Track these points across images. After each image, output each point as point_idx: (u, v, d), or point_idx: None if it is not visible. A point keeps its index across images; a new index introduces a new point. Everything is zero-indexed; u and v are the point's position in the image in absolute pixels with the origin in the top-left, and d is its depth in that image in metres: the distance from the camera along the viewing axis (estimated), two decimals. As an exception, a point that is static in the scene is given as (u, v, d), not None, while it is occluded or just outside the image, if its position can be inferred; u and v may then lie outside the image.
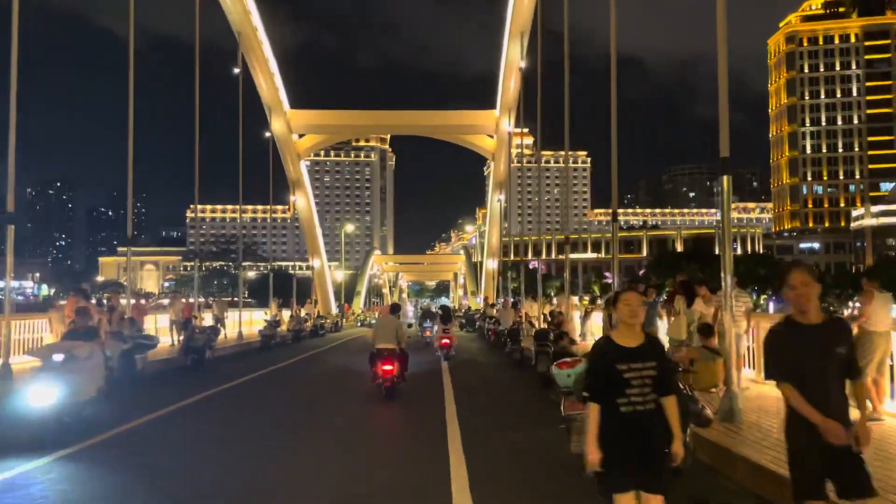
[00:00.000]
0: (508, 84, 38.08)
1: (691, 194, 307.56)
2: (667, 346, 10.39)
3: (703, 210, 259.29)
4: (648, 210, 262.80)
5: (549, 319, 18.03)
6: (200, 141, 23.26)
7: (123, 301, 21.09)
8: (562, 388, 7.28)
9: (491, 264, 47.26)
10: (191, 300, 25.22)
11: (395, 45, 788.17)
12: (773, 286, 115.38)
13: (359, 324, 54.97)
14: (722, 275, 9.05)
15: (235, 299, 36.39)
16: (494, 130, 43.67)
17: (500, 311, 22.00)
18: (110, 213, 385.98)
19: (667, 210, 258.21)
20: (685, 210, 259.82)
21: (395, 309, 15.69)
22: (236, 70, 28.81)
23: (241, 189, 30.53)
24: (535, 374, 15.10)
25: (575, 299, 36.95)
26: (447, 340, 21.56)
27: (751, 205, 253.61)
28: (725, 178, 8.82)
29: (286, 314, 34.00)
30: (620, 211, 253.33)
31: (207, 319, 24.47)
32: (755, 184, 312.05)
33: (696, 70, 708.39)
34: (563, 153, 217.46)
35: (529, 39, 29.83)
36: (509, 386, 15.92)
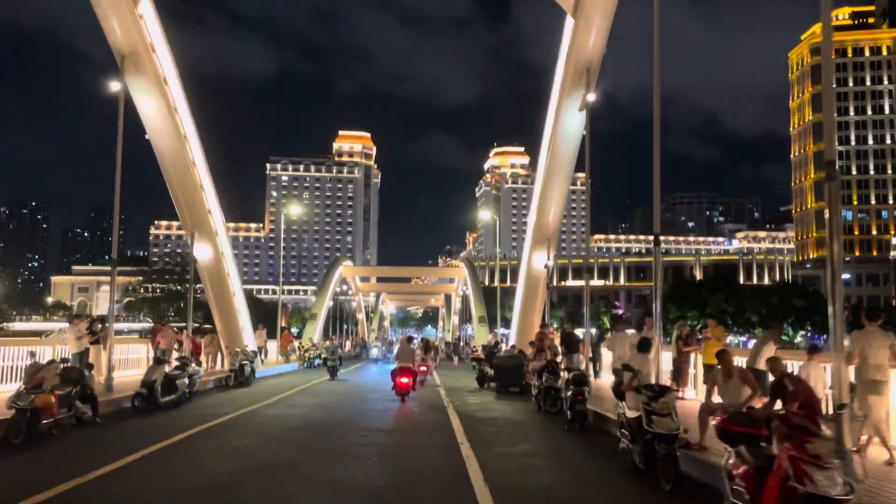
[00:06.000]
0: None
1: (690, 224, 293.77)
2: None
3: (710, 238, 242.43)
4: (652, 236, 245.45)
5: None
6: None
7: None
8: None
9: (539, 262, 26.17)
10: None
11: (371, 73, 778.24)
12: (811, 319, 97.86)
13: (308, 364, 34.09)
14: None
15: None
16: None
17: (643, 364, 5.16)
18: (86, 235, 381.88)
19: (671, 237, 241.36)
20: (690, 238, 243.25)
21: (410, 340, 22.46)
22: None
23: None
24: None
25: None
26: (424, 368, 23.57)
27: (761, 234, 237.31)
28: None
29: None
30: (622, 237, 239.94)
31: None
32: (756, 214, 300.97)
33: (668, 106, 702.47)
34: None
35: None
36: None
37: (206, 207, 22.67)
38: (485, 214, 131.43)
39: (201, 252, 23.37)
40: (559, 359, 17.65)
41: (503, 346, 25.91)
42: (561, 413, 14.36)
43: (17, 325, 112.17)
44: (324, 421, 13.63)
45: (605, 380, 20.26)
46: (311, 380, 24.72)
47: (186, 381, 15.82)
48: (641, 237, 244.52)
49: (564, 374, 14.54)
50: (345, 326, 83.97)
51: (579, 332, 20.98)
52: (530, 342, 22.12)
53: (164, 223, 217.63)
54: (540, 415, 14.92)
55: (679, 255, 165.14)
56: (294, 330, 68.10)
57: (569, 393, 12.58)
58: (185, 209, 22.12)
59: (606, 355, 20.32)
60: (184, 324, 24.09)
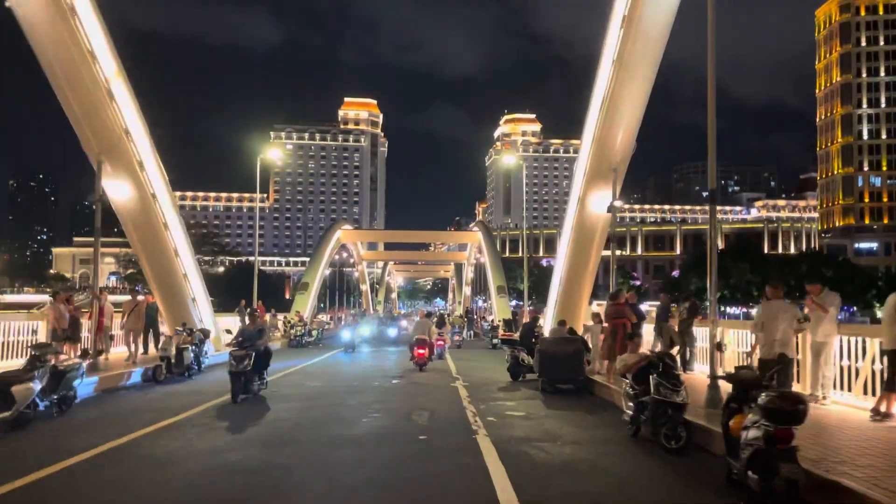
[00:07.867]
0: None
1: (704, 193, 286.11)
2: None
3: (728, 207, 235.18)
4: (668, 206, 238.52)
5: None
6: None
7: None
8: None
9: (598, 205, 18.86)
10: None
11: (376, 43, 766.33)
12: (843, 290, 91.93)
13: (296, 342, 28.39)
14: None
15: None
16: None
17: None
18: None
19: (687, 207, 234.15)
20: (707, 207, 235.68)
21: (429, 315, 25.71)
22: None
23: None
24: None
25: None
26: (441, 342, 24.21)
27: (780, 202, 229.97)
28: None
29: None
30: (636, 207, 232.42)
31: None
32: (772, 183, 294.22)
33: (674, 75, 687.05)
34: (574, 142, 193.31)
35: None
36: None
37: (120, 125, 15.67)
38: (509, 158, 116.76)
39: (116, 191, 16.72)
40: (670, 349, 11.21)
41: (538, 318, 19.35)
42: (686, 451, 7.93)
43: (9, 298, 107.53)
44: (245, 479, 7.00)
45: (699, 373, 13.90)
46: (281, 370, 18.32)
47: (36, 385, 9.44)
48: (657, 206, 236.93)
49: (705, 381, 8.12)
50: (351, 298, 78.27)
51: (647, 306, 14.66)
52: (585, 324, 15.70)
53: (177, 194, 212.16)
54: (646, 453, 8.32)
55: (697, 224, 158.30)
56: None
57: (750, 434, 5.90)
58: (83, 125, 15.24)
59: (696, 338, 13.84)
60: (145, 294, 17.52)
